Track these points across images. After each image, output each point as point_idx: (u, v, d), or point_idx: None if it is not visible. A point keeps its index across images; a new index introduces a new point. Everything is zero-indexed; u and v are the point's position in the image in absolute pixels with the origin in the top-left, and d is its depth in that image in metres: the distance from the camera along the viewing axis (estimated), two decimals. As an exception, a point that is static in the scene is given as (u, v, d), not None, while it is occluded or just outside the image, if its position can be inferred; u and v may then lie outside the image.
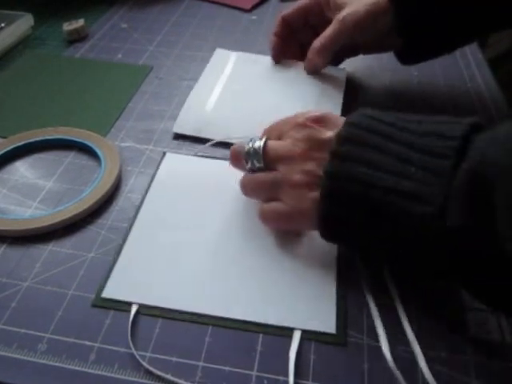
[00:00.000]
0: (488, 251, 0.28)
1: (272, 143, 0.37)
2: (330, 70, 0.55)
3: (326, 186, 0.32)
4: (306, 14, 0.54)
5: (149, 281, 0.35)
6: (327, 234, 0.35)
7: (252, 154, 0.37)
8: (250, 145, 0.38)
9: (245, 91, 0.53)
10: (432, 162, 0.30)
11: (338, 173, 0.32)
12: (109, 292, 0.34)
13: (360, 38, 0.50)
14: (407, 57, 0.52)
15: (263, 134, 0.39)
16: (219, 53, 0.59)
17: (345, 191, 0.32)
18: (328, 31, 0.50)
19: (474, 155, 0.29)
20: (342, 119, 0.35)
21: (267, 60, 0.57)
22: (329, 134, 0.35)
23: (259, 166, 0.37)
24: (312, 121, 0.36)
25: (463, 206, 0.28)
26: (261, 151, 0.37)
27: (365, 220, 0.32)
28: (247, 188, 0.39)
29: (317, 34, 0.51)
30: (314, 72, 0.54)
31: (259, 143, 0.37)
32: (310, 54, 0.52)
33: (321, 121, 0.36)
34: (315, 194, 0.33)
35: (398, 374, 0.30)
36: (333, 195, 0.32)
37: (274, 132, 0.39)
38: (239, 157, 0.39)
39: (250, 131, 0.47)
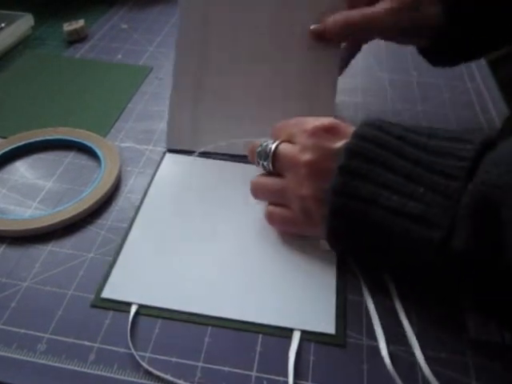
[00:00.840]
0: (497, 271, 0.27)
1: (282, 149, 0.37)
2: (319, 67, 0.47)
3: (332, 202, 0.32)
4: None
5: (148, 281, 0.35)
6: (336, 248, 0.36)
7: (263, 156, 0.37)
8: (262, 146, 0.38)
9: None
10: (441, 182, 0.29)
11: (344, 190, 0.32)
12: (108, 292, 0.34)
13: (400, 24, 0.42)
14: (435, 56, 0.48)
15: (273, 135, 0.39)
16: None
17: (351, 209, 0.32)
18: (365, 10, 0.42)
19: (480, 175, 0.28)
20: (351, 129, 0.34)
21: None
22: (337, 144, 0.34)
23: (269, 168, 0.37)
24: (321, 129, 0.35)
25: (470, 227, 0.27)
26: (271, 155, 0.37)
27: (371, 240, 0.32)
28: (257, 191, 0.39)
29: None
30: (319, 39, 0.45)
31: (271, 146, 0.37)
32: (333, 21, 0.43)
33: (330, 130, 0.35)
34: (323, 210, 0.33)
35: (395, 375, 0.30)
36: (339, 212, 0.32)
37: (284, 133, 0.38)
38: (252, 156, 0.39)
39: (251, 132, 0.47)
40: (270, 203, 0.39)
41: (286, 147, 0.37)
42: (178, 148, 0.47)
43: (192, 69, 0.47)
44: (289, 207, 0.37)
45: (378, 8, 0.42)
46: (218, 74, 0.47)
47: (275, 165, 0.37)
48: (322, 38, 0.45)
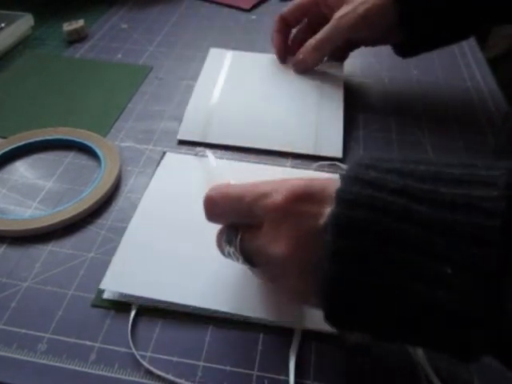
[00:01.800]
0: None
1: (250, 245, 0.29)
2: (326, 65, 0.55)
3: (324, 291, 0.24)
4: (304, 11, 0.54)
5: (148, 280, 0.35)
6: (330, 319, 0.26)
7: (233, 257, 0.31)
8: (227, 247, 0.31)
9: (244, 92, 0.53)
10: (471, 253, 0.21)
11: (343, 278, 0.24)
12: (109, 292, 0.34)
13: (360, 35, 0.51)
14: (407, 50, 0.52)
15: (218, 214, 0.32)
16: (214, 52, 0.59)
17: (350, 295, 0.24)
18: (323, 31, 0.50)
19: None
20: (330, 190, 0.26)
21: (263, 58, 0.57)
22: (320, 221, 0.25)
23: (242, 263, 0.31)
24: (294, 201, 0.26)
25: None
26: (240, 256, 0.30)
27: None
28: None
29: (314, 32, 0.51)
30: (303, 71, 0.54)
31: (233, 246, 0.30)
32: (302, 53, 0.52)
33: (304, 198, 0.26)
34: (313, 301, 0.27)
35: (397, 374, 0.30)
36: (334, 299, 0.25)
37: (237, 216, 0.30)
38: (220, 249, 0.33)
39: (253, 133, 0.48)
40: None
41: (253, 243, 0.29)
42: (190, 139, 0.48)
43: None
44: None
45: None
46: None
47: (251, 264, 0.30)
48: (303, 66, 0.53)
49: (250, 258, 0.30)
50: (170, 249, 0.37)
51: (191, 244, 0.37)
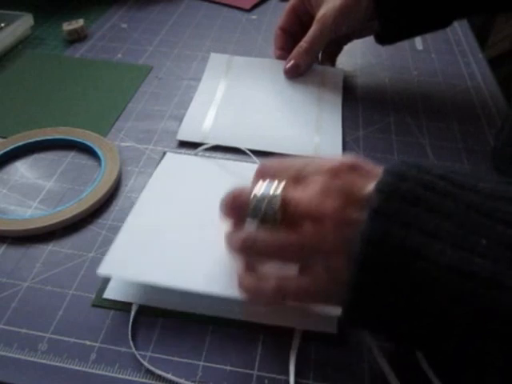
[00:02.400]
0: None
1: (294, 193, 0.28)
2: (326, 70, 0.56)
3: (361, 253, 0.24)
4: (297, 14, 0.55)
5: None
6: (352, 316, 0.27)
7: (264, 205, 0.28)
8: (259, 193, 0.29)
9: (244, 95, 0.53)
10: (507, 233, 0.23)
11: (379, 237, 0.24)
12: (110, 292, 0.34)
13: (343, 30, 0.52)
14: (385, 38, 0.53)
15: (264, 176, 0.30)
16: (214, 57, 0.59)
17: (387, 263, 0.24)
18: (309, 33, 0.52)
19: None
20: (380, 168, 0.27)
21: (263, 62, 0.57)
22: (367, 187, 0.26)
23: (273, 221, 0.28)
24: (344, 169, 0.28)
25: None
26: (278, 202, 0.28)
27: (410, 304, 0.24)
28: (254, 249, 0.29)
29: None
30: (296, 76, 0.54)
31: (275, 189, 0.28)
32: (293, 58, 0.53)
33: (355, 168, 0.28)
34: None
35: (396, 374, 0.30)
36: (370, 266, 0.24)
37: (287, 174, 0.30)
38: (241, 204, 0.30)
39: (252, 135, 0.48)
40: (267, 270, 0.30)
41: (298, 193, 0.28)
42: (189, 140, 0.48)
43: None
44: (305, 271, 0.28)
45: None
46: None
47: (286, 215, 0.28)
48: (297, 70, 0.54)
49: (284, 210, 0.28)
50: (169, 238, 0.37)
51: (189, 234, 0.37)
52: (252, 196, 0.29)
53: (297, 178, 0.29)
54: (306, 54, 0.53)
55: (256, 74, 0.56)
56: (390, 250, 0.24)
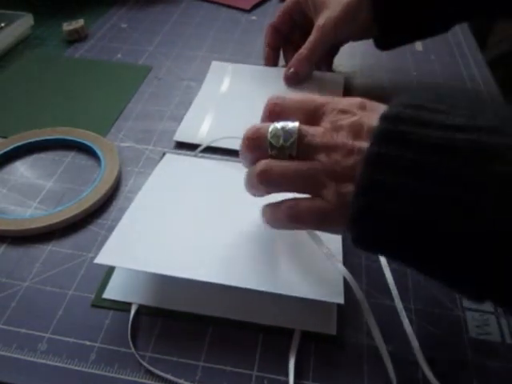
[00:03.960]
0: None
1: (308, 128, 0.31)
2: (327, 77, 0.56)
3: (378, 129, 0.27)
4: (291, 15, 0.56)
5: (149, 281, 0.35)
6: (362, 224, 0.28)
7: (283, 136, 0.30)
8: (278, 126, 0.31)
9: (244, 102, 0.53)
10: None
11: (393, 114, 0.27)
12: (109, 292, 0.34)
13: (344, 37, 0.53)
14: (384, 43, 0.53)
15: (276, 113, 0.33)
16: (216, 65, 0.59)
17: (403, 132, 0.26)
18: (310, 40, 0.52)
19: None
20: (383, 105, 0.31)
21: (263, 70, 0.57)
22: (376, 119, 0.28)
23: (289, 153, 0.30)
24: (358, 106, 0.31)
25: None
26: (295, 134, 0.30)
27: (424, 189, 0.25)
28: (272, 178, 0.31)
29: (305, 33, 0.53)
30: (296, 82, 0.54)
31: (293, 125, 0.30)
32: (293, 66, 0.53)
33: (368, 106, 0.31)
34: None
35: (395, 375, 0.30)
36: (387, 137, 0.26)
37: (301, 112, 0.32)
38: (260, 138, 0.32)
39: None
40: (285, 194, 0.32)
41: (313, 128, 0.31)
42: (186, 141, 0.48)
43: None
44: (318, 195, 0.30)
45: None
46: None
47: (301, 147, 0.30)
48: (297, 78, 0.53)
49: (300, 142, 0.30)
50: (167, 228, 0.37)
51: (188, 225, 0.37)
52: (271, 127, 0.31)
53: (311, 117, 0.32)
54: (306, 62, 0.53)
55: (256, 81, 0.56)
56: (404, 122, 0.26)
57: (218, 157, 0.46)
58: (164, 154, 0.46)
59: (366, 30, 0.51)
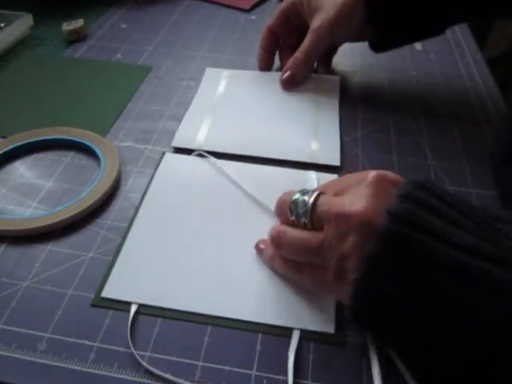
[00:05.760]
0: None
1: (325, 198, 0.31)
2: (323, 78, 0.56)
3: (386, 226, 0.26)
4: (287, 17, 0.55)
5: (148, 280, 0.35)
6: (362, 309, 0.28)
7: (299, 205, 0.32)
8: (299, 195, 0.33)
9: (241, 106, 0.52)
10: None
11: (406, 216, 0.26)
12: (108, 292, 0.34)
13: (340, 39, 0.53)
14: (379, 46, 0.53)
15: (318, 188, 0.34)
16: (210, 72, 0.58)
17: (413, 240, 0.25)
18: (305, 43, 0.52)
19: None
20: (402, 181, 0.30)
21: (259, 75, 0.57)
22: (393, 195, 0.28)
23: (304, 221, 0.32)
24: (384, 179, 0.29)
25: None
26: (310, 204, 0.31)
27: (431, 285, 0.25)
28: (284, 244, 0.33)
29: (301, 36, 0.53)
30: (292, 85, 0.54)
31: (311, 195, 0.32)
32: (290, 69, 0.53)
33: (394, 182, 0.30)
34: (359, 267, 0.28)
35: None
36: (393, 241, 0.26)
37: (332, 188, 0.33)
38: (283, 206, 0.34)
39: (249, 142, 0.47)
40: (295, 260, 0.33)
41: (330, 198, 0.31)
42: (185, 146, 0.47)
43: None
44: (323, 267, 0.31)
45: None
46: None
47: (314, 216, 0.31)
48: (294, 80, 0.54)
49: (317, 212, 0.31)
50: (171, 255, 0.37)
51: (194, 249, 0.38)
52: (294, 196, 0.33)
53: (338, 192, 0.32)
54: (302, 65, 0.53)
55: (252, 85, 0.55)
56: (416, 228, 0.25)
57: (218, 153, 0.46)
58: (164, 154, 0.46)
59: (361, 32, 0.50)
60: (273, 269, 0.36)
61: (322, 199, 0.31)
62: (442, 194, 0.27)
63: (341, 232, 0.29)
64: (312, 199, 0.31)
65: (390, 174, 0.30)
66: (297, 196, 0.33)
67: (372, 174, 0.29)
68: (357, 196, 0.29)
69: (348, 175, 0.33)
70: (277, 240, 0.34)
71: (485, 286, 0.24)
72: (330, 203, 0.30)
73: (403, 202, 0.26)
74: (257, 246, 0.37)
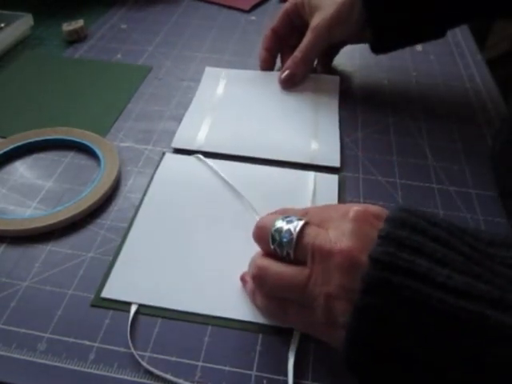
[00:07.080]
0: None
1: (311, 229, 0.29)
2: (323, 78, 0.56)
3: (369, 273, 0.25)
4: (290, 18, 0.55)
5: (148, 280, 0.35)
6: (358, 355, 0.27)
7: (284, 234, 0.29)
8: (283, 223, 0.30)
9: (240, 106, 0.52)
10: (508, 272, 0.25)
11: (387, 260, 0.25)
12: (108, 292, 0.34)
13: (338, 38, 0.52)
14: (378, 47, 0.53)
15: (302, 214, 0.32)
16: (210, 71, 0.58)
17: (395, 285, 0.24)
18: (304, 42, 0.52)
19: None
20: (385, 212, 0.28)
21: (258, 75, 0.57)
22: (377, 234, 0.27)
23: (288, 251, 0.29)
24: (368, 214, 0.28)
25: None
26: (295, 235, 0.29)
27: (419, 331, 0.24)
28: (265, 280, 0.31)
29: (302, 35, 0.53)
30: (291, 85, 0.54)
31: (296, 224, 0.29)
32: (289, 68, 0.53)
33: (378, 216, 0.28)
34: (349, 307, 0.26)
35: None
36: (378, 288, 0.25)
37: (315, 217, 0.31)
38: (264, 232, 0.31)
39: (248, 143, 0.47)
40: (279, 297, 0.31)
41: (315, 229, 0.29)
42: (184, 148, 0.47)
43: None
44: (307, 307, 0.29)
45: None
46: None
47: (298, 250, 0.29)
48: (293, 80, 0.54)
49: (302, 244, 0.29)
50: (171, 255, 0.37)
51: (194, 249, 0.38)
52: (277, 222, 0.31)
53: (320, 222, 0.30)
54: (301, 64, 0.53)
55: (251, 85, 0.55)
56: (394, 272, 0.24)
57: (218, 154, 0.46)
58: (164, 154, 0.46)
59: (360, 32, 0.50)
60: (255, 306, 0.33)
61: (308, 230, 0.29)
62: (425, 227, 0.26)
63: (326, 269, 0.27)
64: (298, 230, 0.29)
65: (372, 208, 0.29)
66: (280, 224, 0.30)
67: (354, 208, 0.28)
68: (340, 231, 0.28)
69: (331, 205, 0.33)
70: (258, 279, 0.31)
71: (477, 330, 0.23)
72: (315, 236, 0.28)
73: (383, 244, 0.25)
74: (242, 278, 0.35)
